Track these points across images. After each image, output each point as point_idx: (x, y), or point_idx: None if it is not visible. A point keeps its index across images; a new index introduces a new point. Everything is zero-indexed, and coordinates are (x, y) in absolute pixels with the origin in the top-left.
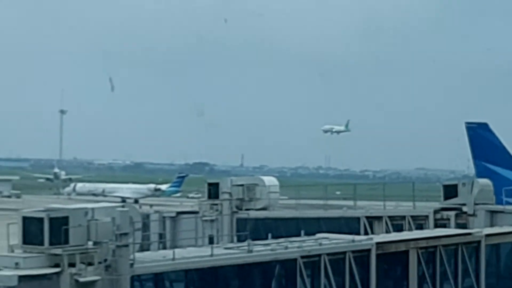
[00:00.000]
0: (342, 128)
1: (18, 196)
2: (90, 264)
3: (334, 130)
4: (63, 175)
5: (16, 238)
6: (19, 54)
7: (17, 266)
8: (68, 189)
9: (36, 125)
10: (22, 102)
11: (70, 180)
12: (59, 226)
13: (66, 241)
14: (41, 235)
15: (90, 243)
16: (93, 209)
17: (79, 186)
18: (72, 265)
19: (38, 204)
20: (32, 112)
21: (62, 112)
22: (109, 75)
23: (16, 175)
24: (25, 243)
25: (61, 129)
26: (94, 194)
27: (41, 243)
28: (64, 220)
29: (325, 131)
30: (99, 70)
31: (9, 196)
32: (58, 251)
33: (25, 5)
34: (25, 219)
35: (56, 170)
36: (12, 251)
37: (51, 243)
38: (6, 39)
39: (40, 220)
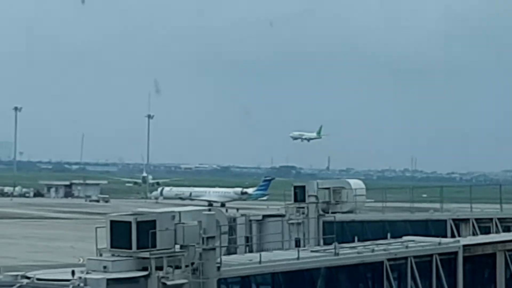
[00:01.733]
0: (314, 134)
1: (106, 200)
2: (177, 267)
3: (304, 137)
4: (150, 179)
5: (104, 241)
6: (107, 58)
7: (105, 269)
8: (155, 193)
9: (124, 130)
10: (110, 107)
11: (158, 184)
12: (147, 230)
13: (154, 245)
14: (129, 238)
15: (177, 246)
16: (180, 212)
17: (166, 190)
18: (159, 268)
19: (125, 208)
20: (120, 116)
21: (149, 117)
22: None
23: (104, 180)
24: (113, 247)
25: (148, 134)
26: (181, 198)
27: (129, 247)
28: (152, 223)
29: (294, 138)
30: (184, 76)
31: (97, 200)
32: (145, 254)
33: (113, 11)
34: (113, 223)
35: (144, 174)
36: (101, 255)
37: (138, 247)
38: (96, 43)
39: (128, 224)
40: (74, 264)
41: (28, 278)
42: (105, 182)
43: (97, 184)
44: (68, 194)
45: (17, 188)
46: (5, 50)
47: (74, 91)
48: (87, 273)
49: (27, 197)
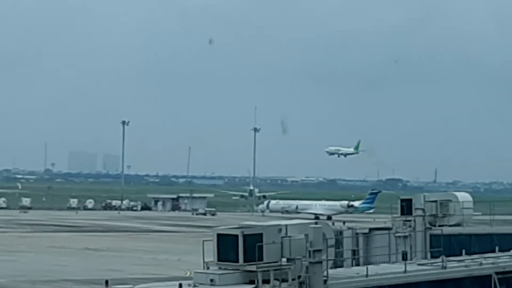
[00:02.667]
0: (351, 150)
1: (213, 214)
2: (284, 280)
3: (340, 152)
4: (257, 192)
5: (211, 255)
6: (215, 73)
7: (212, 282)
8: (261, 206)
9: (230, 143)
10: (217, 121)
11: (264, 197)
12: (254, 243)
13: (260, 258)
14: (236, 252)
15: (284, 259)
16: (286, 226)
17: (273, 203)
18: (266, 281)
19: (232, 221)
20: (226, 130)
21: (256, 130)
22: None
23: (211, 193)
24: (220, 260)
25: (255, 147)
26: (287, 211)
27: (236, 260)
28: (258, 237)
29: (331, 153)
30: (289, 89)
31: (204, 214)
32: (252, 267)
33: (218, 25)
34: (220, 236)
35: (251, 187)
36: (207, 268)
37: (245, 260)
38: (202, 59)
39: (235, 237)
40: (181, 277)
41: None
42: (212, 195)
43: (204, 197)
44: (175, 208)
45: (124, 202)
46: (114, 66)
47: (180, 105)
48: (194, 286)
49: (135, 210)
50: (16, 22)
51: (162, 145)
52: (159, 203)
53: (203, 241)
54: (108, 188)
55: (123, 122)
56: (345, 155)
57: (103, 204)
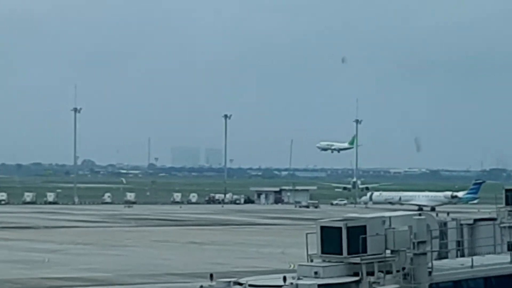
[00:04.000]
0: (345, 145)
1: (316, 206)
2: (388, 272)
3: (333, 147)
4: (359, 184)
5: (314, 247)
6: (321, 65)
7: (316, 275)
8: (364, 198)
9: (333, 135)
10: (318, 113)
11: (367, 189)
12: (357, 235)
13: (364, 250)
14: (340, 244)
15: (388, 251)
16: (390, 217)
17: (376, 195)
18: (370, 273)
19: (335, 214)
20: (328, 122)
21: (358, 122)
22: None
23: (313, 185)
24: (324, 253)
25: (356, 139)
26: (390, 203)
27: (340, 252)
28: (362, 229)
29: (323, 149)
30: (392, 80)
31: (307, 206)
32: (356, 260)
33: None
34: (323, 229)
35: (354, 179)
36: (311, 261)
37: (349, 252)
38: (301, 50)
39: (338, 229)
40: (285, 270)
41: (240, 284)
42: (315, 187)
43: (307, 190)
44: (278, 200)
45: (227, 195)
46: (215, 59)
47: (281, 98)
48: (299, 278)
49: (238, 203)
50: (118, 19)
51: (264, 138)
52: (262, 196)
53: (307, 233)
54: (211, 182)
55: (225, 116)
56: (338, 150)
57: (207, 198)
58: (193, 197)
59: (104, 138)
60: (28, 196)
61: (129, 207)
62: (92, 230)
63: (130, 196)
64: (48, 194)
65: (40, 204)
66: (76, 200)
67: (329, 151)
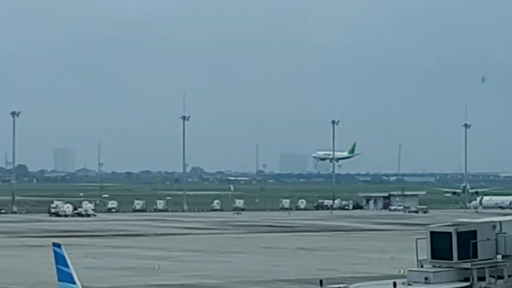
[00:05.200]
0: (344, 154)
1: (425, 211)
2: (499, 277)
3: (331, 156)
4: (469, 188)
5: (424, 253)
6: (421, 69)
7: (426, 281)
8: (474, 202)
9: (440, 140)
10: (426, 118)
11: (477, 193)
12: (467, 240)
13: (475, 255)
14: (450, 249)
15: (499, 256)
16: (500, 222)
17: (486, 199)
18: (481, 279)
19: (445, 219)
20: (436, 127)
21: (466, 126)
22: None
23: (422, 190)
24: (434, 258)
25: (466, 143)
26: (501, 207)
27: (450, 258)
28: (472, 234)
29: (321, 159)
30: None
31: (416, 211)
32: (467, 265)
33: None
34: (433, 234)
35: (464, 184)
36: (421, 266)
37: (459, 257)
38: (411, 56)
39: (448, 234)
40: (395, 275)
41: None
42: (423, 192)
43: (415, 195)
44: (386, 206)
45: (336, 201)
46: (321, 66)
47: (390, 104)
48: (409, 284)
49: (346, 209)
50: (226, 26)
51: (372, 143)
52: (371, 202)
53: (416, 239)
54: (319, 188)
55: (333, 122)
56: (337, 159)
57: (315, 204)
58: (302, 203)
59: (213, 145)
60: (138, 204)
61: (238, 213)
62: (201, 237)
63: (239, 202)
64: (158, 201)
65: (150, 211)
66: (186, 207)
67: (327, 160)
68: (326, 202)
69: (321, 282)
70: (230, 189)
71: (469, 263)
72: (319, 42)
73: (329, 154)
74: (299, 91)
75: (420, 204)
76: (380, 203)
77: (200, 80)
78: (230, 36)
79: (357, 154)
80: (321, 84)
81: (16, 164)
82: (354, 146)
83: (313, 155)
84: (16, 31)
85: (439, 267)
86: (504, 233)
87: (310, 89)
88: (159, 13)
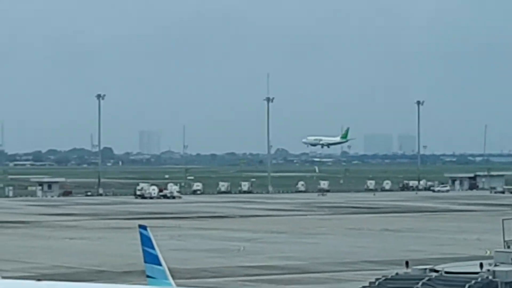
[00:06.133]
0: (337, 139)
1: (511, 191)
2: None
3: (321, 142)
4: None
5: (511, 233)
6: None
7: None
8: None
9: None
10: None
11: None
12: None
13: None
14: None
15: None
16: None
17: None
18: None
19: None
20: None
21: None
22: None
23: (509, 171)
24: None
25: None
26: None
27: None
28: None
29: (312, 145)
30: None
31: (502, 192)
32: None
33: None
34: None
35: None
36: (508, 247)
37: None
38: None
39: None
40: (481, 256)
41: (437, 271)
42: (510, 173)
43: (502, 176)
44: (472, 186)
45: (421, 182)
46: (407, 49)
47: (473, 82)
48: (495, 265)
49: (432, 190)
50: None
51: (458, 124)
52: (456, 182)
53: (503, 219)
54: (404, 168)
55: (418, 102)
56: (328, 145)
57: (400, 185)
58: (387, 184)
59: (297, 126)
60: (223, 186)
61: (322, 195)
62: (286, 218)
63: (324, 184)
64: (243, 183)
65: (235, 193)
66: (270, 189)
67: (319, 146)
68: (411, 183)
69: (407, 263)
70: (315, 171)
71: None
72: (406, 25)
73: (320, 140)
74: (383, 72)
75: (506, 185)
76: (466, 184)
77: (285, 61)
78: (316, 19)
79: (350, 139)
80: (407, 64)
81: (101, 147)
82: (347, 131)
83: (303, 140)
84: (107, 19)
85: None
86: None
87: (395, 70)
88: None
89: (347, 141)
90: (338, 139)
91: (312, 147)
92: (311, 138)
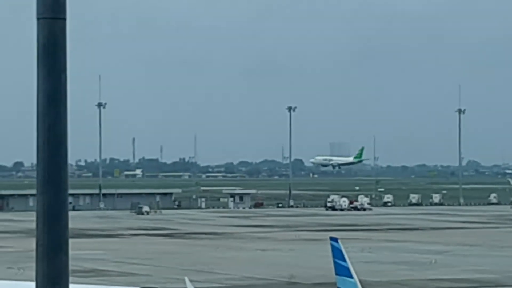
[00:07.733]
0: (350, 159)
1: None
2: None
3: (331, 162)
4: None
5: None
6: None
7: None
8: None
9: None
10: None
11: None
12: None
13: None
14: None
15: None
16: None
17: None
18: None
19: None
20: None
21: None
22: None
23: None
24: None
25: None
26: None
27: None
28: None
29: (322, 165)
30: None
31: None
32: None
33: None
34: None
35: None
36: None
37: None
38: None
39: None
40: None
41: None
42: None
43: None
44: None
45: None
46: None
47: None
48: None
49: None
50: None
51: None
52: None
53: None
54: None
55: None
56: (338, 166)
57: None
58: None
59: (489, 138)
60: (414, 198)
61: None
62: (479, 231)
63: None
64: (434, 195)
65: (426, 205)
66: (462, 201)
67: (330, 166)
68: None
69: None
70: (508, 183)
71: None
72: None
73: (330, 160)
74: None
75: None
76: None
77: (477, 73)
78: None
79: (364, 159)
80: None
81: (292, 159)
82: (361, 150)
83: (311, 160)
84: (297, 32)
85: None
86: None
87: None
88: (439, 10)
89: (361, 161)
90: (351, 159)
91: (323, 168)
92: (320, 158)
